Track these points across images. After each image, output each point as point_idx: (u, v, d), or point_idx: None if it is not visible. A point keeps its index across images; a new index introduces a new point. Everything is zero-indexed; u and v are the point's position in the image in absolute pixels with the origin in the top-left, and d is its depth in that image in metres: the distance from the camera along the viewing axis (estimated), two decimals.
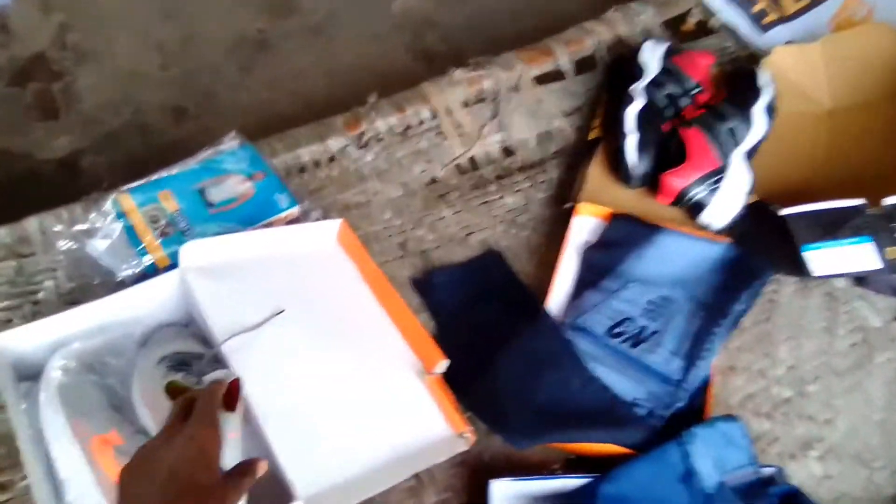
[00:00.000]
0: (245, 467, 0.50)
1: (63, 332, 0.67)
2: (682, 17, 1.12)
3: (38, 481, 0.59)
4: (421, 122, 0.94)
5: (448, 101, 0.95)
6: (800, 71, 0.97)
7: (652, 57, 0.94)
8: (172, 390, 0.63)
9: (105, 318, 0.68)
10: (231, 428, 0.51)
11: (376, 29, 1.43)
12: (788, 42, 1.04)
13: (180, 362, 0.67)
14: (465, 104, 0.96)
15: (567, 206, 0.87)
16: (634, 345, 0.75)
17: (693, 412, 0.72)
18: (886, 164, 0.88)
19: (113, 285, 0.73)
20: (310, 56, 1.37)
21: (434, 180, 0.92)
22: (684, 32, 1.11)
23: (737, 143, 0.86)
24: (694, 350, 0.74)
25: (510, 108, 0.97)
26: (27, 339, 0.66)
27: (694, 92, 0.92)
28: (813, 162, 0.93)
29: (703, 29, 1.11)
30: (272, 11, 1.43)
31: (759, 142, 0.87)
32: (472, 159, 0.94)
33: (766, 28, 1.06)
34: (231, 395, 0.53)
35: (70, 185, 1.18)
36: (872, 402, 0.78)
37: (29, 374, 0.67)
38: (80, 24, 1.39)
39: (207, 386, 0.53)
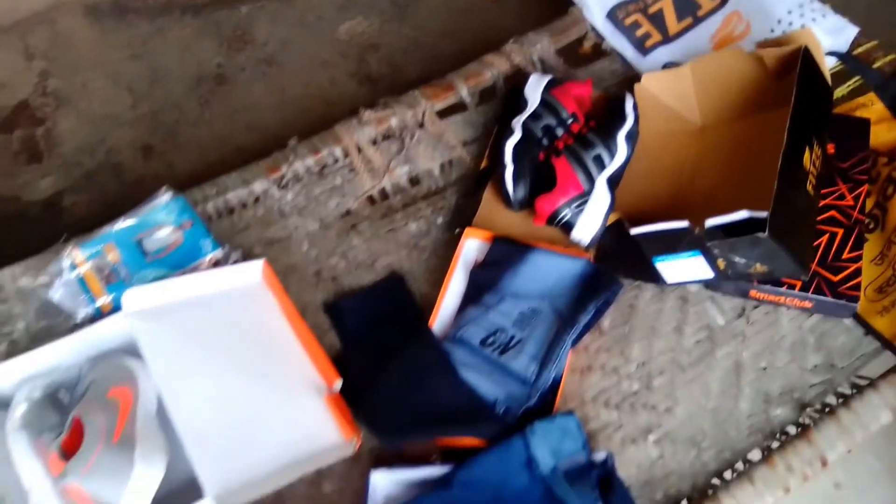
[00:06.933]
0: None
1: (30, 369, 0.84)
2: (579, 41, 1.24)
3: (7, 493, 0.76)
4: (335, 161, 1.09)
5: (358, 139, 1.09)
6: (671, 93, 1.08)
7: (534, 91, 1.07)
8: None
9: (60, 357, 0.85)
10: None
11: (324, 56, 1.56)
12: (668, 63, 1.16)
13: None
14: (374, 142, 1.10)
15: (457, 231, 1.01)
16: (502, 352, 0.90)
17: (543, 409, 0.87)
18: (747, 179, 1.00)
19: (72, 327, 0.90)
20: (263, 87, 1.51)
21: (348, 212, 1.06)
22: (581, 56, 1.23)
23: (602, 169, 0.99)
24: (547, 355, 0.88)
25: (415, 142, 1.11)
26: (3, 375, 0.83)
27: (569, 122, 1.04)
28: (681, 178, 1.05)
29: (598, 52, 1.22)
30: (229, 45, 1.57)
31: (622, 166, 1.00)
32: (382, 191, 1.08)
33: (647, 51, 1.18)
34: None
35: (54, 223, 1.34)
36: (709, 392, 0.91)
37: (4, 403, 0.84)
38: (59, 70, 1.55)
39: None
